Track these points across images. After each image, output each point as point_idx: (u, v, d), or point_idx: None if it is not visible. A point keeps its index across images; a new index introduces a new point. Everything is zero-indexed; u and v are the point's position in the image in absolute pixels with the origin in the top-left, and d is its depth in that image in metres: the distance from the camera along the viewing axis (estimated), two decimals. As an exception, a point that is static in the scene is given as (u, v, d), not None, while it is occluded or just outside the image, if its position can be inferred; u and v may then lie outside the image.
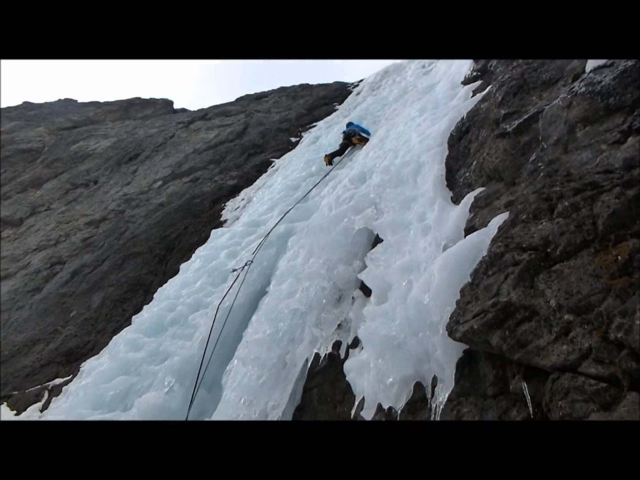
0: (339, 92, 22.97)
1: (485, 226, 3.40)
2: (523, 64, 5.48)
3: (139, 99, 32.95)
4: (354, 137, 11.13)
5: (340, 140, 11.66)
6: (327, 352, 4.64)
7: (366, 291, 4.78)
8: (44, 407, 7.85)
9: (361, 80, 22.53)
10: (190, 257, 9.96)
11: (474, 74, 7.67)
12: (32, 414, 7.77)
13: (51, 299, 12.48)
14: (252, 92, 28.38)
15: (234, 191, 14.41)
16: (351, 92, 21.47)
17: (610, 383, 2.01)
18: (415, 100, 9.67)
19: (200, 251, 9.46)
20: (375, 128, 11.64)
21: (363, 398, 3.74)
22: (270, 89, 28.00)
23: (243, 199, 13.07)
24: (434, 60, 14.89)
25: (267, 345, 5.04)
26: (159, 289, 8.98)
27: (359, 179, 6.62)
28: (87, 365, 7.58)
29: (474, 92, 6.57)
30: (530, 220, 2.94)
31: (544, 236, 2.70)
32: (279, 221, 8.03)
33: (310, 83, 26.89)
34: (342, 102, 20.41)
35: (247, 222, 9.56)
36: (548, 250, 2.63)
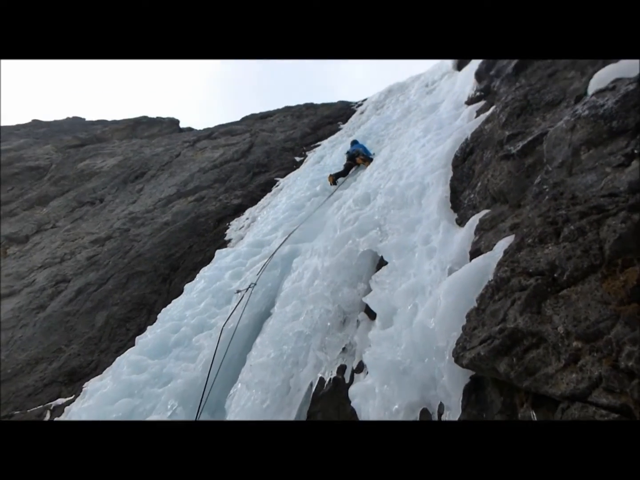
0: (343, 111, 23.15)
1: (491, 249, 3.37)
2: (526, 85, 5.51)
3: (145, 117, 33.36)
4: (358, 157, 11.17)
5: (345, 160, 11.71)
6: (332, 376, 4.58)
7: (371, 314, 4.73)
8: (46, 429, 7.76)
9: (365, 100, 22.73)
10: (195, 276, 9.94)
11: (477, 93, 7.71)
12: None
13: (55, 317, 12.46)
14: (257, 112, 28.66)
15: (239, 210, 14.45)
16: (355, 111, 21.62)
17: (622, 413, 1.96)
18: (419, 120, 9.73)
19: (205, 271, 9.44)
20: (379, 148, 11.70)
21: (368, 424, 3.67)
22: (275, 108, 28.26)
23: (247, 218, 13.10)
24: (437, 79, 15.04)
25: (271, 369, 4.99)
26: (163, 310, 8.94)
27: (363, 200, 6.62)
28: (90, 385, 7.51)
29: (478, 113, 6.60)
30: (536, 244, 2.91)
31: (550, 261, 2.67)
32: (283, 242, 8.02)
33: (315, 102, 27.13)
34: (346, 121, 20.56)
35: (252, 243, 9.55)
36: (555, 275, 2.60)
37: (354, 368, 4.42)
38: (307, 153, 18.14)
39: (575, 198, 3.02)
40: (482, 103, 7.01)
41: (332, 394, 4.53)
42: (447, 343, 3.08)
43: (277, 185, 15.15)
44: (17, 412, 8.90)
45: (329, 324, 5.05)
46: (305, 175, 13.33)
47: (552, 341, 2.38)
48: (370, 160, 10.63)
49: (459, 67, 13.61)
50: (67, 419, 7.14)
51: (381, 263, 5.11)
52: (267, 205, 13.06)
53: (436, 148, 6.11)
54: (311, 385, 4.71)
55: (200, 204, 16.31)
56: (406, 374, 3.42)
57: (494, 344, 2.64)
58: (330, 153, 15.13)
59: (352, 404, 3.96)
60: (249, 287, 6.99)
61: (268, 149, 20.06)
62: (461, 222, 4.43)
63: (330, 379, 4.61)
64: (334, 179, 11.15)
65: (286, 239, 8.12)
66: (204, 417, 5.25)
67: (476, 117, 6.35)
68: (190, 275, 10.80)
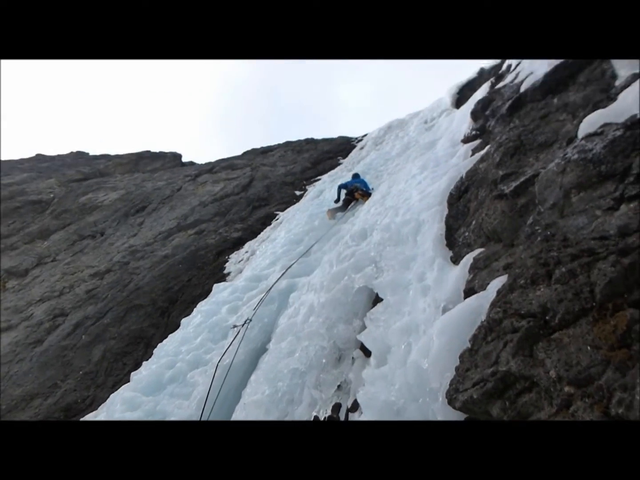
0: (343, 146, 23.51)
1: (484, 289, 3.37)
2: (520, 126, 5.62)
3: (148, 152, 33.83)
4: (357, 192, 11.29)
5: (343, 195, 11.85)
6: (327, 415, 4.51)
7: (366, 351, 4.69)
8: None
9: (365, 135, 23.12)
10: (193, 310, 9.91)
11: (473, 132, 7.85)
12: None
13: (52, 352, 12.36)
14: (258, 146, 29.09)
15: (238, 244, 14.51)
16: (355, 146, 21.97)
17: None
18: (417, 156, 9.86)
19: (202, 306, 9.41)
20: (377, 183, 11.84)
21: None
22: (276, 143, 28.70)
23: (247, 252, 13.14)
24: (436, 116, 15.35)
25: (266, 407, 4.91)
26: (159, 345, 8.87)
27: (360, 236, 6.66)
28: (83, 423, 7.38)
29: (473, 151, 6.70)
30: (528, 286, 2.92)
31: (542, 303, 2.67)
32: (281, 276, 8.02)
33: (315, 137, 27.58)
34: (346, 156, 20.86)
35: (250, 277, 9.55)
36: (547, 317, 2.60)
37: (349, 407, 4.35)
38: (307, 187, 18.35)
39: (567, 240, 3.05)
40: (477, 142, 7.13)
41: (327, 434, 4.44)
42: (441, 384, 3.05)
43: (277, 219, 15.26)
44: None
45: (324, 361, 5.00)
46: (304, 210, 13.44)
47: (545, 385, 2.37)
48: (369, 195, 10.74)
49: (457, 105, 13.94)
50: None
51: (377, 300, 5.10)
52: (266, 239, 13.12)
53: (432, 185, 6.19)
54: (306, 425, 4.63)
55: (200, 237, 16.39)
56: (400, 414, 3.37)
57: (487, 387, 2.62)
58: (329, 187, 15.30)
59: (346, 446, 3.87)
60: (245, 322, 6.96)
61: (268, 183, 20.29)
62: (456, 260, 4.44)
63: (325, 418, 4.53)
64: (333, 213, 11.24)
65: (283, 273, 8.13)
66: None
67: (471, 155, 6.45)
68: (189, 309, 10.76)
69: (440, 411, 3.03)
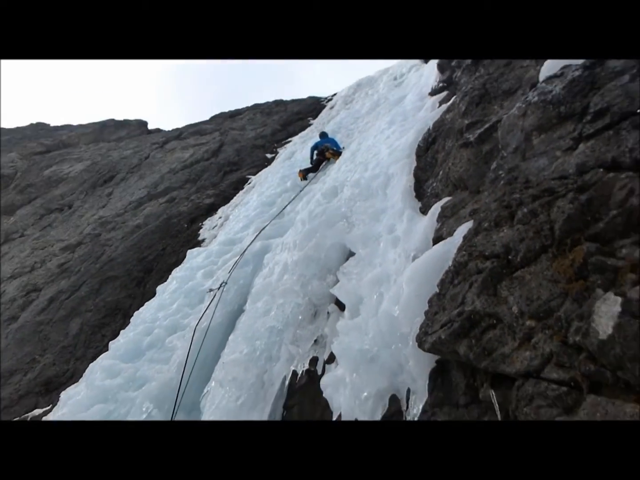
0: (313, 106, 23.13)
1: (451, 235, 3.44)
2: (485, 74, 5.60)
3: (112, 120, 32.70)
4: (328, 152, 11.21)
5: (309, 153, 11.79)
6: (305, 369, 4.61)
7: (341, 305, 4.77)
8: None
9: (335, 95, 22.76)
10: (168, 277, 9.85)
11: (440, 84, 7.82)
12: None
13: (28, 328, 12.18)
14: (226, 110, 28.38)
15: (211, 210, 14.33)
16: (325, 106, 21.64)
17: (571, 387, 2.04)
18: (386, 113, 9.80)
19: (176, 272, 9.35)
20: (349, 141, 11.75)
21: (340, 414, 3.71)
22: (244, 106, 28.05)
23: (220, 217, 13.00)
24: (405, 72, 15.16)
25: (244, 365, 4.98)
26: (136, 313, 8.83)
27: (331, 193, 6.65)
28: (65, 394, 7.38)
29: (440, 103, 6.69)
30: (492, 228, 2.99)
31: (505, 243, 2.74)
32: (254, 239, 8.00)
33: (284, 99, 27.02)
34: (317, 116, 20.56)
35: (223, 241, 9.50)
36: (509, 257, 2.67)
37: (325, 359, 4.45)
38: (278, 150, 18.09)
39: (529, 182, 3.10)
40: (444, 94, 7.11)
41: (307, 386, 4.55)
42: (411, 329, 3.13)
43: (249, 183, 15.08)
44: (-9, 425, 8.70)
45: (300, 317, 5.07)
46: (276, 172, 13.31)
47: (508, 321, 2.45)
48: (340, 154, 10.67)
49: (426, 60, 13.78)
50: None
51: (350, 255, 5.15)
52: (239, 204, 12.99)
53: (400, 139, 6.18)
54: (284, 379, 4.73)
55: (172, 205, 16.12)
56: (374, 361, 3.46)
57: (454, 327, 2.71)
58: (301, 149, 15.12)
59: (324, 395, 3.99)
60: (221, 285, 6.97)
61: (238, 147, 19.93)
62: (425, 210, 4.50)
63: (303, 372, 4.63)
64: (304, 174, 11.16)
65: (257, 235, 8.11)
66: (179, 417, 5.23)
67: (438, 107, 6.43)
68: (165, 277, 10.65)
69: (412, 355, 3.13)
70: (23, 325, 12.45)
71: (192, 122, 27.84)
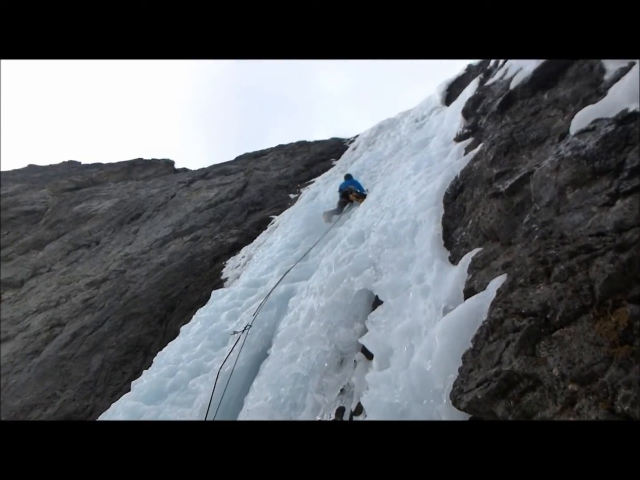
0: (336, 147, 23.56)
1: (484, 289, 3.39)
2: (511, 123, 5.65)
3: (141, 159, 33.76)
4: (352, 194, 11.30)
5: (338, 198, 11.85)
6: (331, 419, 4.51)
7: (368, 354, 4.70)
8: None
9: (357, 136, 23.15)
10: (191, 316, 9.89)
11: (465, 131, 7.88)
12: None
13: (50, 362, 12.29)
14: (250, 151, 29.08)
15: (235, 249, 14.49)
16: (347, 147, 22.00)
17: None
18: (410, 156, 9.88)
19: (201, 313, 9.38)
20: (372, 184, 11.85)
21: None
22: (263, 144, 28.70)
23: (243, 257, 13.11)
24: (426, 114, 15.38)
25: (269, 414, 4.90)
26: (159, 353, 8.84)
27: (358, 238, 6.67)
28: (85, 434, 7.34)
29: (466, 150, 6.73)
30: (528, 284, 2.94)
31: (542, 301, 2.69)
32: (279, 281, 8.02)
33: (307, 140, 27.60)
34: (339, 157, 20.89)
35: (248, 282, 9.54)
36: (547, 316, 2.61)
37: (353, 410, 4.36)
38: (301, 190, 18.35)
39: (564, 237, 3.07)
40: (470, 140, 7.16)
41: (332, 438, 4.44)
42: (444, 385, 3.06)
43: (272, 223, 15.25)
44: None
45: (326, 364, 5.00)
46: (299, 213, 13.43)
47: (548, 384, 2.38)
48: (364, 196, 10.75)
49: (447, 103, 13.99)
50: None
51: (377, 302, 5.11)
52: (262, 244, 13.10)
53: (427, 185, 6.21)
54: (310, 429, 4.63)
55: (196, 243, 16.36)
56: (404, 416, 3.38)
57: (491, 387, 2.63)
58: (324, 190, 15.30)
59: (351, 449, 3.87)
60: (245, 328, 6.95)
61: (262, 187, 20.29)
62: (454, 260, 4.46)
63: (329, 423, 4.53)
64: (329, 216, 11.23)
65: (282, 278, 8.12)
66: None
67: (465, 154, 6.47)
68: (187, 315, 10.73)
69: (445, 412, 3.04)
70: (45, 360, 12.56)
71: (216, 162, 28.51)
